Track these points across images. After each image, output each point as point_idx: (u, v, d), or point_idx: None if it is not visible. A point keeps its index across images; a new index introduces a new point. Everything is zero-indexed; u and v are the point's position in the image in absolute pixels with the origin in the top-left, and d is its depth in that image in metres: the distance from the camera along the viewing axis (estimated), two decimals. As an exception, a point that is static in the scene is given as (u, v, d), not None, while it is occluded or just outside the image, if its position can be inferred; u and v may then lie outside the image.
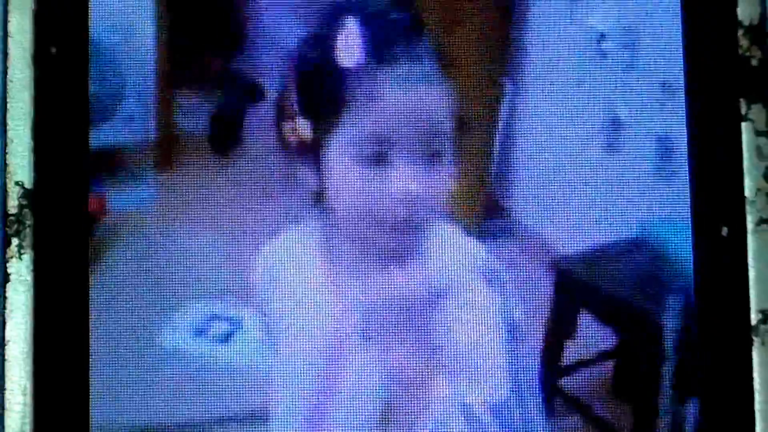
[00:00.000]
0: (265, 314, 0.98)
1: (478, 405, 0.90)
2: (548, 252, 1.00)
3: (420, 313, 0.91)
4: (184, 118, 1.07)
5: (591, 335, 1.02)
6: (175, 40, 1.05)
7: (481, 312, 0.92)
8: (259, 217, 0.96)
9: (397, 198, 0.91)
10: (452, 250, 0.94)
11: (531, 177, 0.99)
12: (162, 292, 0.96)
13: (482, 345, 0.92)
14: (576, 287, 1.01)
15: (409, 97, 0.91)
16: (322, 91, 0.91)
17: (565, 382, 0.98)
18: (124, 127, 1.03)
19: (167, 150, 1.07)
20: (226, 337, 1.02)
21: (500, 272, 0.93)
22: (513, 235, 1.00)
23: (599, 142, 1.00)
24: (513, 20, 1.01)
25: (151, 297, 0.95)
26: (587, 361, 1.02)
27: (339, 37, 0.92)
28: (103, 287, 0.94)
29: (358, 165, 0.91)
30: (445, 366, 0.91)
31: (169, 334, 0.96)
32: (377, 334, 0.92)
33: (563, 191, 0.98)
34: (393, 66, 0.91)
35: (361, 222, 0.92)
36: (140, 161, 1.06)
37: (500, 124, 1.02)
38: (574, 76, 0.99)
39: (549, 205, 0.98)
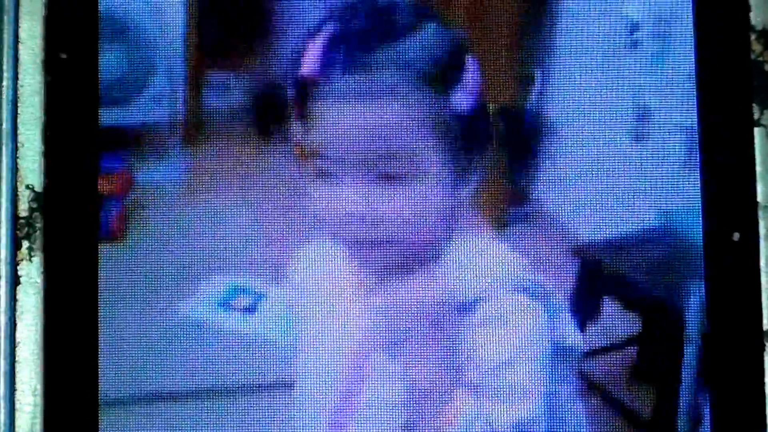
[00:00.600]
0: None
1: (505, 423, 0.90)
2: (572, 239, 1.00)
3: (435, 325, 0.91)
4: (214, 97, 1.07)
5: (614, 321, 1.01)
6: (205, 19, 1.05)
7: (514, 324, 0.91)
8: (288, 197, 0.96)
9: (343, 217, 0.91)
10: (478, 259, 0.93)
11: (558, 166, 0.98)
12: (174, 291, 0.96)
13: (513, 361, 0.92)
14: (600, 274, 1.01)
15: (360, 111, 0.90)
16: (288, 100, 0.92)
17: (587, 367, 0.98)
18: (153, 106, 1.03)
19: (196, 129, 1.08)
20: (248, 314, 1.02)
21: (537, 282, 0.93)
22: (538, 223, 1.00)
23: (627, 132, 0.99)
24: (544, 9, 1.00)
25: (162, 300, 0.96)
26: (610, 347, 1.02)
27: (310, 46, 0.91)
28: (112, 290, 0.94)
29: (310, 179, 0.91)
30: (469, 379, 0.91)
31: (182, 334, 0.96)
32: (385, 345, 0.92)
33: (589, 180, 0.97)
34: (353, 77, 0.90)
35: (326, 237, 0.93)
36: (168, 140, 1.06)
37: (529, 113, 1.01)
38: (603, 65, 0.98)
39: (574, 193, 0.98)
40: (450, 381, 0.90)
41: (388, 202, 0.90)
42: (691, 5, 0.96)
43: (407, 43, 0.91)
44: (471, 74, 0.92)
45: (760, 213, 0.94)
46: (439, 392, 0.90)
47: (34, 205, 0.93)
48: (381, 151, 0.90)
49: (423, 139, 0.91)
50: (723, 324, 0.94)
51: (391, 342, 0.91)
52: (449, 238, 0.94)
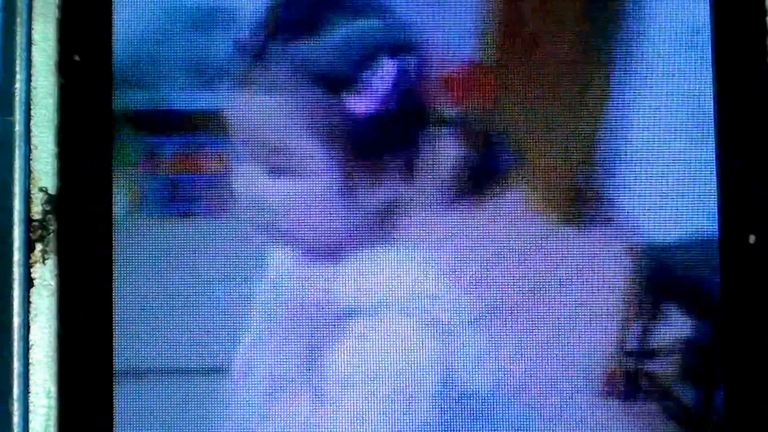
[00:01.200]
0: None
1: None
2: (636, 239, 0.99)
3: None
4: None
5: (673, 323, 1.01)
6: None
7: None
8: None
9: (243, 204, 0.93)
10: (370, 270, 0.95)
11: (624, 166, 0.98)
12: (189, 293, 0.96)
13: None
14: (661, 275, 1.01)
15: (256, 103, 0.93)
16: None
17: (648, 367, 0.98)
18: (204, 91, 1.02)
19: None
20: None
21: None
22: (602, 222, 0.99)
23: (693, 134, 0.99)
24: (617, 12, 1.00)
25: (174, 299, 0.96)
26: (669, 348, 1.02)
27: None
28: (126, 291, 0.94)
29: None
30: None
31: (197, 335, 0.96)
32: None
33: (657, 182, 0.97)
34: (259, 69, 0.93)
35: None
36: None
37: (601, 114, 1.01)
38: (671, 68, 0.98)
39: (639, 194, 0.98)
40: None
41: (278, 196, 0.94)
42: (708, 11, 0.96)
43: (312, 41, 0.93)
44: (382, 78, 0.94)
45: (776, 216, 0.95)
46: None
47: (48, 208, 0.93)
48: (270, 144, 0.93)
49: (311, 137, 0.93)
50: (738, 325, 0.94)
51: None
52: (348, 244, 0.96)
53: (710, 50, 0.96)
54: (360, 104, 0.94)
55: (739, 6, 0.96)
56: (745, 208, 0.95)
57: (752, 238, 0.95)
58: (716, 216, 0.95)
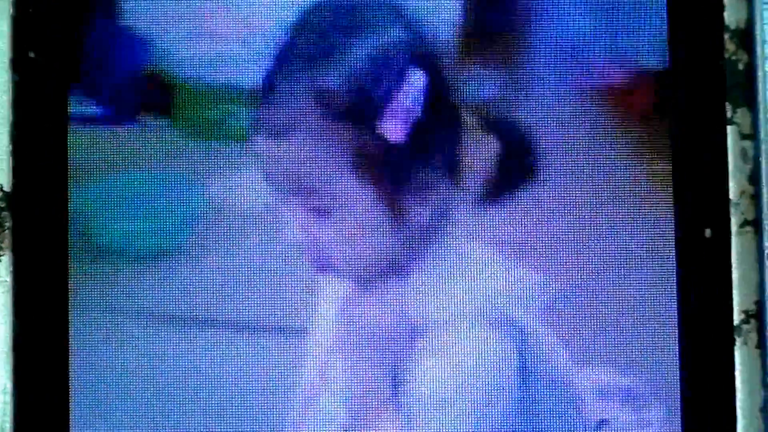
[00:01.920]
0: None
1: None
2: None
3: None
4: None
5: None
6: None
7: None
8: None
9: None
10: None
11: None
12: (144, 289, 0.97)
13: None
14: None
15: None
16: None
17: None
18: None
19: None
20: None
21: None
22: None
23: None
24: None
25: (133, 298, 0.96)
26: None
27: None
28: (82, 288, 0.95)
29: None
30: None
31: (152, 331, 0.97)
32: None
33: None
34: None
35: None
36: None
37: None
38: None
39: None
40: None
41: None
42: (665, 4, 0.96)
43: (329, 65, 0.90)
44: (411, 93, 0.90)
45: (732, 209, 0.95)
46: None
47: (2, 205, 0.93)
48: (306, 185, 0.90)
49: (343, 174, 0.90)
50: (695, 319, 0.95)
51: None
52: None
53: (667, 42, 0.97)
54: (393, 128, 0.90)
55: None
56: (702, 203, 0.96)
57: (708, 232, 0.95)
58: (673, 210, 0.96)
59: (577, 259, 0.97)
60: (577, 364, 0.96)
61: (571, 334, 0.96)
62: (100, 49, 0.97)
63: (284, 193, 0.92)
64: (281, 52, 0.91)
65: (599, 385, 0.97)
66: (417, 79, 0.89)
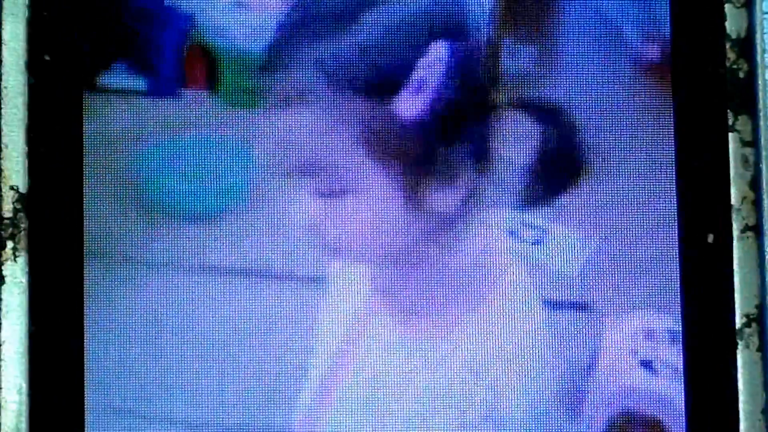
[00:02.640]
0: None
1: None
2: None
3: None
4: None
5: None
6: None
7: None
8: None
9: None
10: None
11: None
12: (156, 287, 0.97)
13: None
14: None
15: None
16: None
17: None
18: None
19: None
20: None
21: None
22: None
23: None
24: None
25: (146, 297, 0.96)
26: None
27: None
28: (97, 288, 0.95)
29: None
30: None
31: (171, 329, 0.96)
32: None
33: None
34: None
35: None
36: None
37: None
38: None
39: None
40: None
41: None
42: (668, 14, 0.97)
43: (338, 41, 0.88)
44: (433, 67, 0.86)
45: (734, 215, 0.96)
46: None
47: (18, 206, 0.93)
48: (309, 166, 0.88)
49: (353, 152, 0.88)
50: (697, 322, 0.95)
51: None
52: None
53: (669, 51, 0.98)
54: (412, 105, 0.85)
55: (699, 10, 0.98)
56: (704, 208, 0.96)
57: (710, 237, 0.96)
58: (675, 215, 0.97)
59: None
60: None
61: (575, 341, 0.96)
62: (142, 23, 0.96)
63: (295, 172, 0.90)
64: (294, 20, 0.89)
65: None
66: (440, 52, 0.85)
